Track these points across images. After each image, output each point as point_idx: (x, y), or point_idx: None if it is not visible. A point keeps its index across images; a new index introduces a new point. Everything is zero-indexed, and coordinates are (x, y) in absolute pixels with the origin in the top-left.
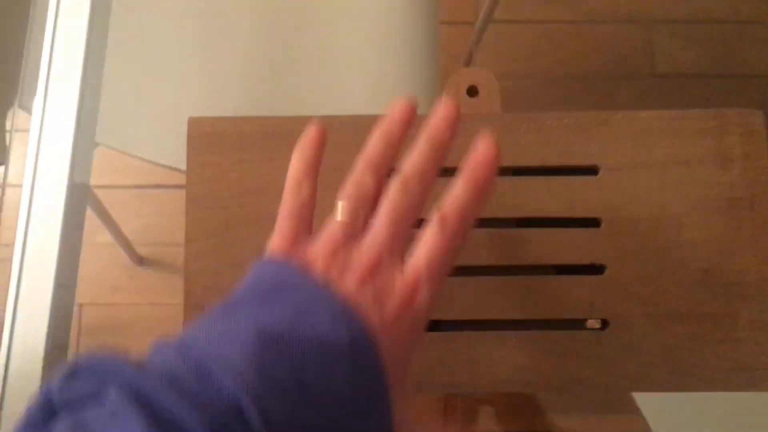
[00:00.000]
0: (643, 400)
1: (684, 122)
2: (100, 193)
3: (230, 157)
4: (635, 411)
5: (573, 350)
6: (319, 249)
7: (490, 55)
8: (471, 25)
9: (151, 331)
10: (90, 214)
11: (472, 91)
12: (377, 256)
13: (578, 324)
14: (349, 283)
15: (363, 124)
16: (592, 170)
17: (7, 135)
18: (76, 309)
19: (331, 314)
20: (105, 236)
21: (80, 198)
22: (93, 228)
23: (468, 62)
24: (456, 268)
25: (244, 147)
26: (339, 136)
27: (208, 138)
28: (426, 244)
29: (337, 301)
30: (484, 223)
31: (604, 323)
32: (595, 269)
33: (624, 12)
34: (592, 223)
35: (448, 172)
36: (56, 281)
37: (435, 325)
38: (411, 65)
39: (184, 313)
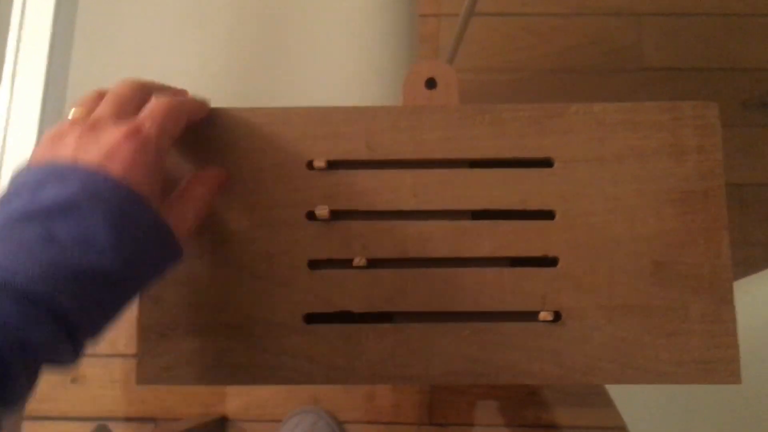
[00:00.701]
0: (618, 396)
1: (638, 114)
2: None
3: (194, 152)
4: (610, 405)
5: (525, 342)
6: (45, 138)
7: (476, 48)
8: (455, 18)
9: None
10: None
11: (431, 83)
12: (94, 120)
13: (531, 316)
14: (66, 145)
15: (325, 116)
16: (546, 162)
17: None
18: None
19: (65, 177)
20: None
21: None
22: None
23: (453, 55)
24: (409, 260)
25: (203, 138)
26: (300, 128)
27: None
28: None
29: (76, 171)
30: (438, 215)
31: (557, 315)
32: (549, 261)
33: (613, 5)
34: (547, 215)
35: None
36: None
37: (388, 317)
38: (387, 57)
39: (140, 304)
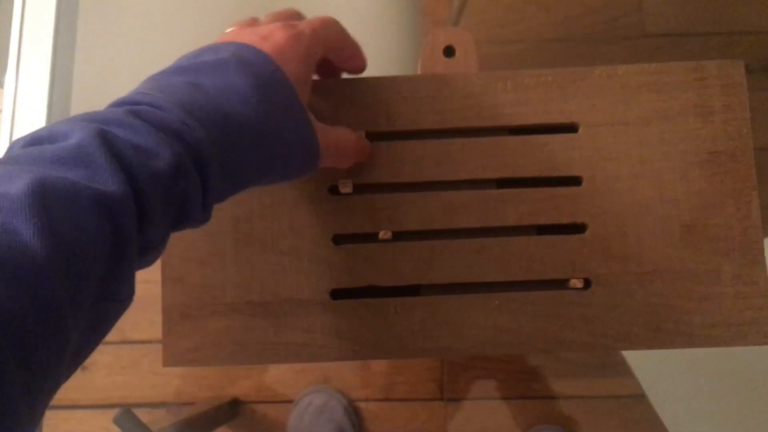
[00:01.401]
0: (636, 363)
1: (663, 76)
2: None
3: None
4: (628, 373)
5: (555, 311)
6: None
7: (476, 20)
8: None
9: (147, 310)
10: None
11: (450, 51)
12: (267, 24)
13: (560, 284)
14: (225, 35)
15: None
16: (571, 128)
17: None
18: None
19: (215, 48)
20: None
21: None
22: None
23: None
24: (435, 231)
25: None
26: (319, 100)
27: None
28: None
29: (229, 44)
30: (463, 184)
31: (587, 282)
32: (577, 228)
33: None
34: (573, 181)
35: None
36: None
37: (415, 290)
38: (390, 28)
39: (163, 285)
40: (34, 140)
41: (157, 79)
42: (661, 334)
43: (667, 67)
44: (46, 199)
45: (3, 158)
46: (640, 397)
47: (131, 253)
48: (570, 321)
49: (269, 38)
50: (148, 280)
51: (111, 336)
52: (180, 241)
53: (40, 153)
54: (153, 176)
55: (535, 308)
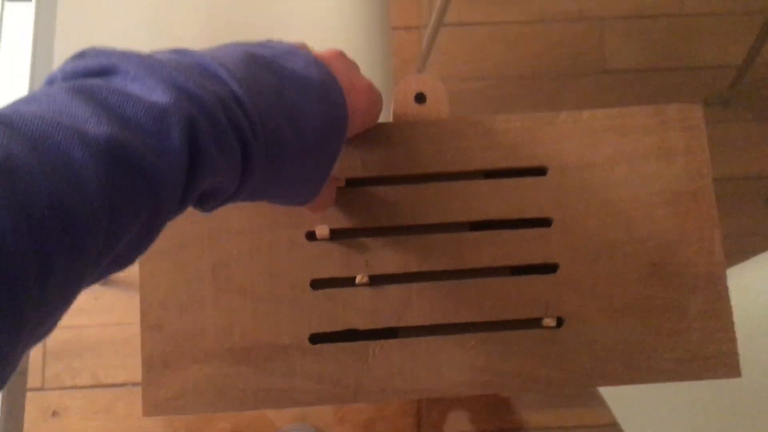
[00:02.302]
0: (609, 394)
1: (626, 120)
2: None
3: None
4: (602, 404)
5: (530, 349)
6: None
7: (442, 58)
8: (423, 30)
9: (119, 352)
10: None
11: (420, 98)
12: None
13: (535, 323)
14: (337, 66)
15: None
16: (540, 171)
17: None
18: None
19: (307, 60)
20: None
21: None
22: None
23: (422, 66)
24: (411, 274)
25: None
26: None
27: None
28: None
29: (315, 58)
30: (438, 228)
31: (560, 321)
32: (549, 268)
33: (574, 10)
34: (544, 222)
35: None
36: None
37: (393, 332)
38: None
39: (142, 334)
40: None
41: (245, 63)
42: (634, 370)
43: (630, 111)
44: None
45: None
46: (613, 426)
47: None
48: (545, 359)
49: (356, 90)
50: (120, 323)
51: (83, 380)
52: (159, 288)
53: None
54: (209, 175)
55: (510, 347)
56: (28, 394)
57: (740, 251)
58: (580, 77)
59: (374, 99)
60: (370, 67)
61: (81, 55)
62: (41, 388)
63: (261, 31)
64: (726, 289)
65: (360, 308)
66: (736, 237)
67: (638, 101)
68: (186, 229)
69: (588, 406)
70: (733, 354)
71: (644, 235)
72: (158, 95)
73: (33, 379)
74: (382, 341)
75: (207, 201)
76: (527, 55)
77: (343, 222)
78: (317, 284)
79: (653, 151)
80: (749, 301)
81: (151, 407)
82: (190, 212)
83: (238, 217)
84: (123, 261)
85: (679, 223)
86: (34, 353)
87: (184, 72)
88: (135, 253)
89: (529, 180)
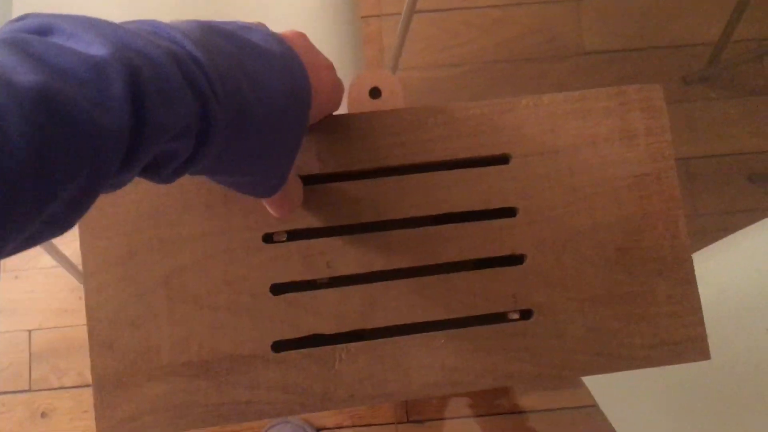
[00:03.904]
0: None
1: (587, 103)
2: None
3: None
4: (580, 385)
5: (500, 344)
6: None
7: (420, 45)
8: (398, 17)
9: None
10: None
11: (375, 93)
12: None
13: (503, 317)
14: (299, 45)
15: None
16: (503, 159)
17: None
18: (24, 336)
19: (266, 35)
20: (47, 259)
21: None
22: (33, 253)
23: (398, 54)
24: (375, 273)
25: None
26: None
27: None
28: None
29: (275, 33)
30: (400, 224)
31: (528, 313)
32: (516, 259)
33: None
34: (509, 212)
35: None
36: None
37: (359, 335)
38: (334, 61)
39: (91, 353)
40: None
41: (201, 30)
42: (604, 359)
43: (591, 93)
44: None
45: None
46: (593, 407)
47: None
48: (516, 353)
49: (318, 68)
50: None
51: (71, 380)
52: (107, 303)
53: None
54: (158, 132)
55: (479, 343)
56: (16, 396)
57: (723, 229)
58: (559, 60)
59: (336, 81)
60: (340, 57)
61: (20, 18)
62: (28, 390)
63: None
64: (692, 272)
65: (324, 312)
66: (719, 215)
67: (618, 82)
68: (134, 237)
69: (567, 389)
70: (702, 338)
71: (610, 221)
72: (97, 48)
73: (19, 381)
74: (348, 345)
75: (161, 167)
76: (504, 39)
77: (301, 222)
78: (277, 289)
79: (615, 133)
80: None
81: (107, 430)
82: (137, 217)
83: (189, 222)
84: (60, 223)
85: (643, 207)
86: (20, 355)
87: (131, 31)
88: (74, 216)
89: (492, 169)
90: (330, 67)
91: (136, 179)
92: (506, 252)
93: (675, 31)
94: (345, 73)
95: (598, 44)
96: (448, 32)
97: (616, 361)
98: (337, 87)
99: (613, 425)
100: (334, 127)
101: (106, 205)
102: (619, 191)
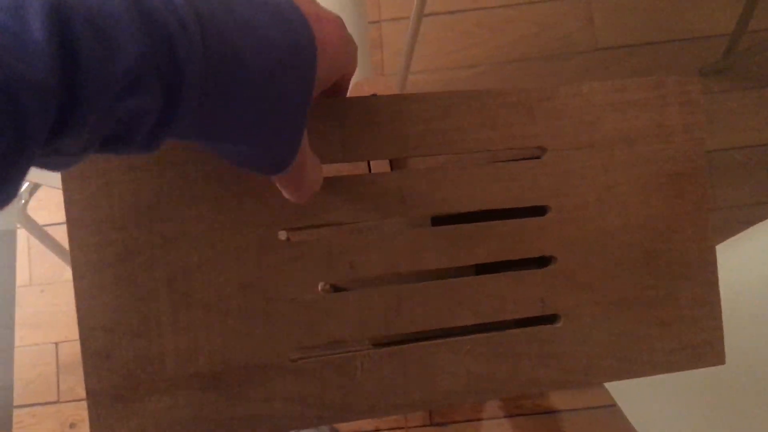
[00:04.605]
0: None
1: (626, 94)
2: (62, 230)
3: (119, 166)
4: (601, 385)
5: (526, 350)
6: None
7: (432, 48)
8: (399, 21)
9: None
10: (50, 254)
11: None
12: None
13: (531, 322)
14: None
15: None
16: (538, 152)
17: None
18: (51, 348)
19: None
20: (71, 273)
21: (6, 244)
22: (57, 267)
23: (409, 57)
24: (400, 275)
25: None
26: None
27: None
28: None
29: None
30: (428, 221)
31: (555, 318)
32: (545, 261)
33: None
34: (540, 211)
35: None
36: None
37: (381, 342)
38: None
39: (84, 365)
40: None
41: None
42: (627, 364)
43: (630, 84)
44: None
45: None
46: (613, 407)
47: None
48: (541, 359)
49: (322, 21)
50: None
51: None
52: (101, 309)
53: None
54: (99, 82)
55: (506, 349)
56: (46, 408)
57: (743, 222)
58: (572, 57)
59: (345, 36)
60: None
61: None
62: (57, 401)
63: None
64: (716, 274)
65: (345, 317)
66: (738, 208)
67: (633, 76)
68: (132, 233)
69: (587, 389)
70: (719, 342)
71: (641, 222)
72: None
73: (48, 393)
74: (369, 351)
75: (132, 131)
76: (515, 39)
77: (322, 218)
78: (297, 291)
79: (652, 128)
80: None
81: None
82: (135, 212)
83: (196, 217)
84: None
85: (674, 208)
86: (48, 368)
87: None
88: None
89: (526, 163)
90: (336, 20)
91: (132, 166)
92: (535, 254)
93: (688, 23)
94: (352, 80)
95: (610, 39)
96: (459, 34)
97: (638, 367)
98: (347, 42)
99: (633, 424)
100: (359, 112)
101: (98, 197)
102: (651, 190)
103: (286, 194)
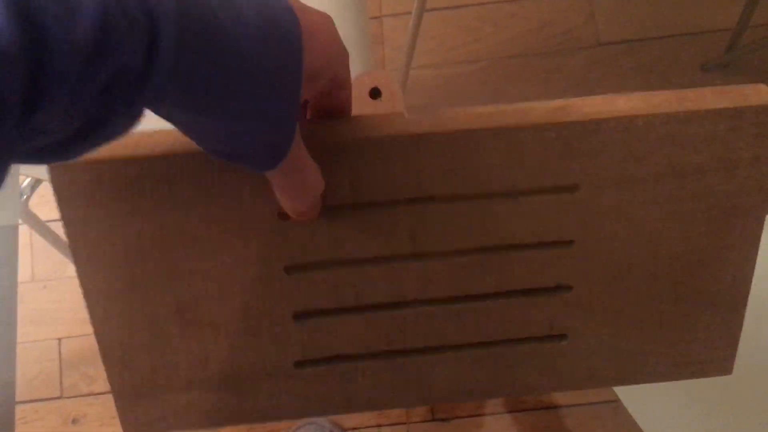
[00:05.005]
0: None
1: (691, 127)
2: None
3: (120, 208)
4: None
5: (526, 362)
6: None
7: (434, 43)
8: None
9: None
10: (53, 250)
11: (376, 93)
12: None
13: (535, 341)
14: None
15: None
16: (570, 189)
17: None
18: (54, 344)
19: None
20: (73, 269)
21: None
22: (60, 264)
23: (410, 53)
24: (410, 301)
25: (135, 194)
26: None
27: (84, 188)
28: None
29: None
30: (440, 254)
31: (562, 337)
32: (560, 289)
33: None
34: (563, 244)
35: None
36: None
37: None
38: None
39: (107, 371)
40: None
41: None
42: (627, 374)
43: (698, 116)
44: None
45: None
46: (617, 402)
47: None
48: (541, 371)
49: (308, 12)
50: None
51: (100, 387)
52: (117, 329)
53: None
54: (64, 43)
55: (506, 362)
56: (48, 404)
57: None
58: (574, 53)
59: (334, 31)
60: (357, 58)
61: None
62: (60, 397)
63: None
64: (745, 304)
65: (350, 337)
66: None
67: (635, 72)
68: (138, 268)
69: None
70: (731, 356)
71: (674, 254)
72: None
73: (51, 389)
74: (372, 362)
75: (110, 104)
76: (517, 34)
77: (328, 252)
78: (300, 316)
79: (713, 163)
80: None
81: (133, 428)
82: (139, 249)
83: (200, 253)
84: None
85: (716, 242)
86: (50, 364)
87: None
88: None
89: (554, 199)
90: (325, 15)
91: (134, 209)
92: (551, 284)
93: (690, 18)
94: (353, 74)
95: (612, 34)
96: (461, 29)
97: (640, 376)
98: (335, 36)
99: (637, 421)
100: (371, 150)
101: (102, 233)
102: (693, 225)
103: (285, 203)
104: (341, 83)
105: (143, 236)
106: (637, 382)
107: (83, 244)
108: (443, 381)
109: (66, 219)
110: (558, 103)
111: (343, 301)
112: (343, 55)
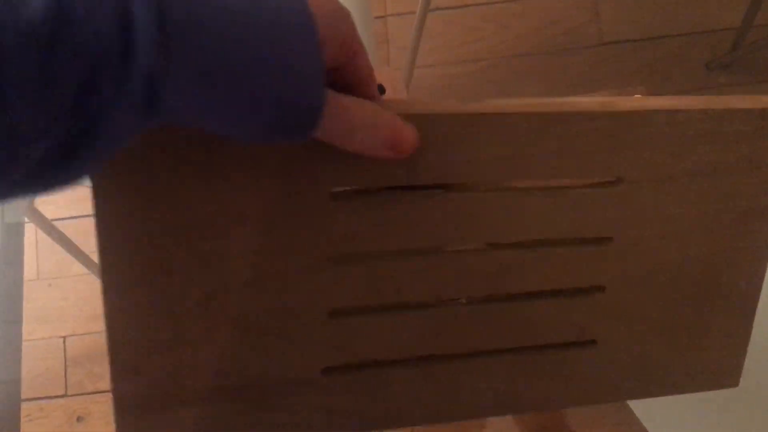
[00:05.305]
0: None
1: (723, 124)
2: (70, 225)
3: (156, 192)
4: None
5: (554, 371)
6: None
7: (437, 42)
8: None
9: None
10: (58, 248)
11: (380, 89)
12: None
13: (566, 346)
14: None
15: None
16: (613, 183)
17: None
18: (59, 342)
19: None
20: (78, 267)
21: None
22: (65, 262)
23: (415, 52)
24: (442, 300)
25: (172, 178)
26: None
27: (121, 173)
28: None
29: None
30: (480, 250)
31: (590, 343)
32: (594, 290)
33: None
34: (601, 242)
35: None
36: None
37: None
38: None
39: (112, 377)
40: None
41: None
42: (647, 386)
43: (728, 114)
44: None
45: None
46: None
47: None
48: (569, 380)
49: None
50: None
51: (105, 384)
52: (132, 325)
53: None
54: (20, 24)
55: (535, 371)
56: (53, 401)
57: None
58: (578, 52)
59: (338, 7)
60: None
61: None
62: (65, 395)
63: None
64: (755, 309)
65: (382, 339)
66: None
67: (639, 71)
68: (169, 251)
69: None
70: (739, 366)
71: (700, 256)
72: None
73: (56, 386)
74: (403, 370)
75: (95, 106)
76: (521, 33)
77: (369, 243)
78: (336, 313)
79: (739, 162)
80: None
81: None
82: (172, 227)
83: (240, 236)
84: None
85: (736, 243)
86: (55, 361)
87: None
88: None
89: (596, 193)
90: None
91: (172, 190)
92: (586, 284)
93: (695, 17)
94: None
95: (616, 34)
96: (465, 28)
97: (658, 388)
98: (340, 11)
99: (641, 420)
100: (426, 130)
101: (134, 209)
102: (718, 225)
103: (360, 148)
104: (352, 47)
105: (179, 212)
106: (654, 395)
107: (112, 211)
108: (473, 392)
109: (98, 199)
110: (602, 98)
111: (383, 296)
112: (342, 10)
